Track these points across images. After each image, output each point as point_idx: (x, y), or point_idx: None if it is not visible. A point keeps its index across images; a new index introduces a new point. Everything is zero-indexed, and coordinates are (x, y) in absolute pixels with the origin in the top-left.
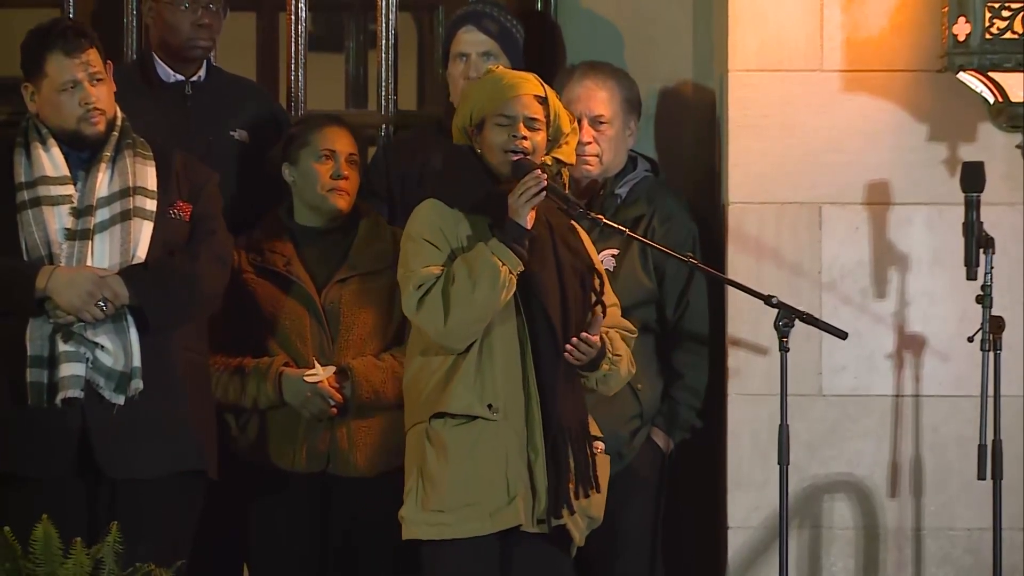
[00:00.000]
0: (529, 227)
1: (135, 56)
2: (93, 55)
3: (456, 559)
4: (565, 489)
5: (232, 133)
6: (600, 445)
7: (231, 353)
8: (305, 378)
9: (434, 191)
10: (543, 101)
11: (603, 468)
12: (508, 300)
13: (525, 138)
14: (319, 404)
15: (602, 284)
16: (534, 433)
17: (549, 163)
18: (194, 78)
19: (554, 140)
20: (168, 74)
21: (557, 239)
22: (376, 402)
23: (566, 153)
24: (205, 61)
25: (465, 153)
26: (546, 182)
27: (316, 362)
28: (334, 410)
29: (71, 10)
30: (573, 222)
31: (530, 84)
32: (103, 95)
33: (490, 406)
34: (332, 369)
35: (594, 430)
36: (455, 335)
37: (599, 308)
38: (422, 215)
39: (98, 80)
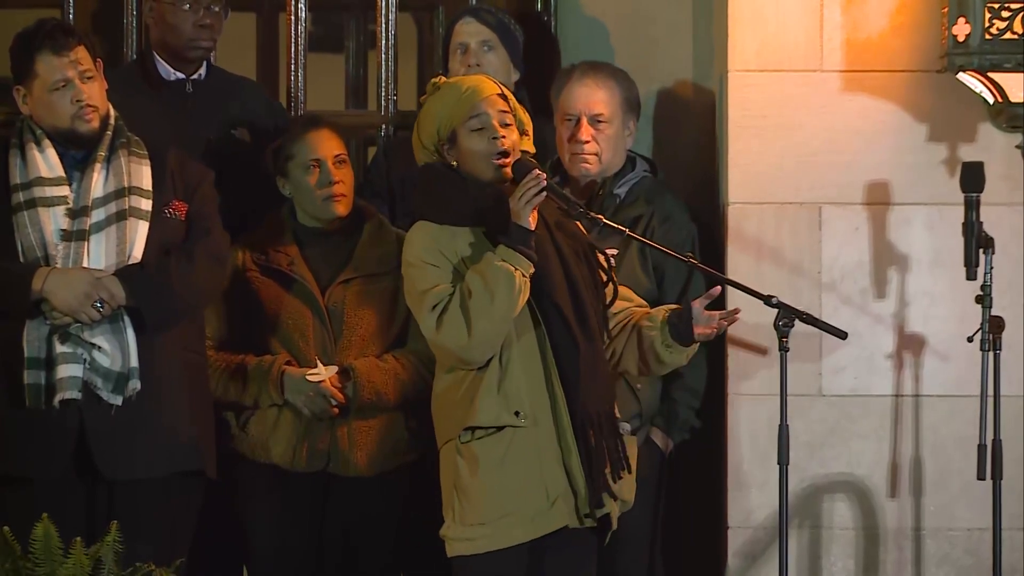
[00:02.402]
0: (532, 228)
1: (135, 56)
2: (82, 52)
3: (485, 566)
4: (602, 477)
5: (232, 132)
6: (626, 426)
7: (233, 351)
8: (307, 377)
9: (421, 213)
10: (504, 97)
11: (631, 449)
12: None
13: (504, 137)
14: (321, 403)
15: (608, 258)
16: (564, 431)
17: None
18: (194, 76)
19: (521, 132)
20: (168, 72)
21: (552, 228)
22: (378, 403)
23: (528, 144)
24: (205, 60)
25: (440, 171)
26: (545, 182)
27: (319, 361)
28: (335, 410)
29: (71, 10)
30: None
31: (488, 84)
32: (95, 92)
33: (517, 413)
34: (334, 369)
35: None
36: (479, 348)
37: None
38: (416, 240)
39: (88, 77)
